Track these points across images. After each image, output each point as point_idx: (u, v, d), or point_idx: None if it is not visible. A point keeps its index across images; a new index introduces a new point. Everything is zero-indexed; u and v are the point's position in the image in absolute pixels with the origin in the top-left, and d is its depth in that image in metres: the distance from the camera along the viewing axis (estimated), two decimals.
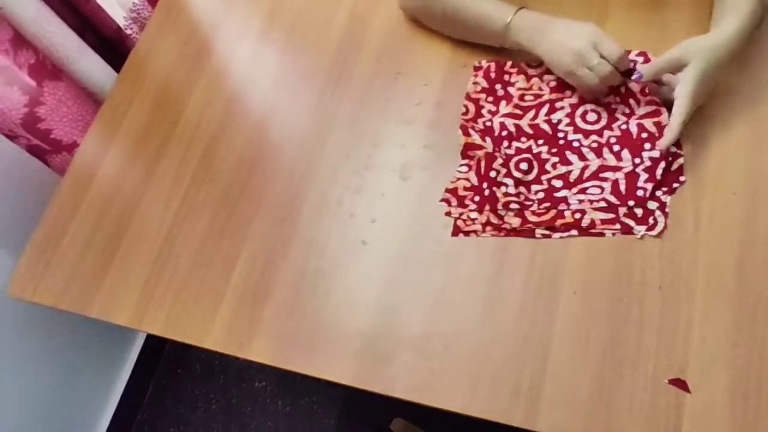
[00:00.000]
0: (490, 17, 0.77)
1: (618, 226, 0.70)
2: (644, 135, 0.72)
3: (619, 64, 0.70)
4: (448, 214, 0.75)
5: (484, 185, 0.75)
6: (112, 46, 1.13)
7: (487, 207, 0.74)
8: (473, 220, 0.74)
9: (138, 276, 0.83)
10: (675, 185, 0.70)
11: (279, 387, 1.47)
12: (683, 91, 0.66)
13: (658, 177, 0.70)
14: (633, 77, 0.71)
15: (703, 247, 0.66)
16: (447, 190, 0.77)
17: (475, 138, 0.78)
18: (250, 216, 0.83)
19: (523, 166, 0.75)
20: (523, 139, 0.77)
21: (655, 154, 0.70)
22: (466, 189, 0.76)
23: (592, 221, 0.71)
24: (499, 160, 0.75)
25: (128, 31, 1.15)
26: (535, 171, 0.75)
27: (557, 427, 0.62)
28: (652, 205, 0.70)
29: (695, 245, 0.67)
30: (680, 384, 0.61)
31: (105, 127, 0.97)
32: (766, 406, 0.59)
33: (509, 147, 0.77)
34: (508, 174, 0.75)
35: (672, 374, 0.62)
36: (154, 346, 1.55)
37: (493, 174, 0.75)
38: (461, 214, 0.75)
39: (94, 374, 1.41)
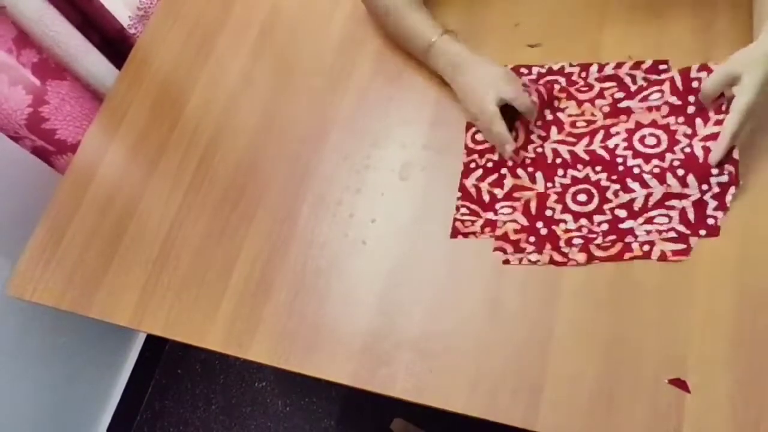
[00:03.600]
0: (419, 33, 0.79)
1: (691, 257, 0.65)
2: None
3: (521, 108, 0.72)
4: (507, 262, 0.70)
5: (539, 224, 0.71)
6: (116, 46, 1.13)
7: (548, 246, 0.69)
8: (534, 262, 0.69)
9: (138, 276, 0.83)
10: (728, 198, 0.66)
11: (279, 387, 1.47)
12: (738, 104, 0.62)
13: (728, 204, 0.65)
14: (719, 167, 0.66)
15: (703, 247, 0.66)
16: (497, 238, 0.71)
17: (525, 180, 0.73)
18: (250, 216, 0.83)
19: (581, 197, 0.71)
20: (579, 166, 0.72)
21: (724, 179, 0.65)
22: (516, 232, 0.71)
23: (662, 253, 0.66)
24: (553, 197, 0.71)
25: (132, 31, 1.14)
26: (596, 200, 0.70)
27: (557, 427, 0.62)
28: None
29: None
30: (680, 384, 0.61)
31: (105, 127, 0.97)
32: (766, 406, 0.59)
33: (564, 176, 0.72)
34: (565, 209, 0.71)
35: (672, 374, 0.61)
36: (154, 346, 1.55)
37: (549, 213, 0.71)
38: (521, 259, 0.70)
39: (94, 374, 1.41)
